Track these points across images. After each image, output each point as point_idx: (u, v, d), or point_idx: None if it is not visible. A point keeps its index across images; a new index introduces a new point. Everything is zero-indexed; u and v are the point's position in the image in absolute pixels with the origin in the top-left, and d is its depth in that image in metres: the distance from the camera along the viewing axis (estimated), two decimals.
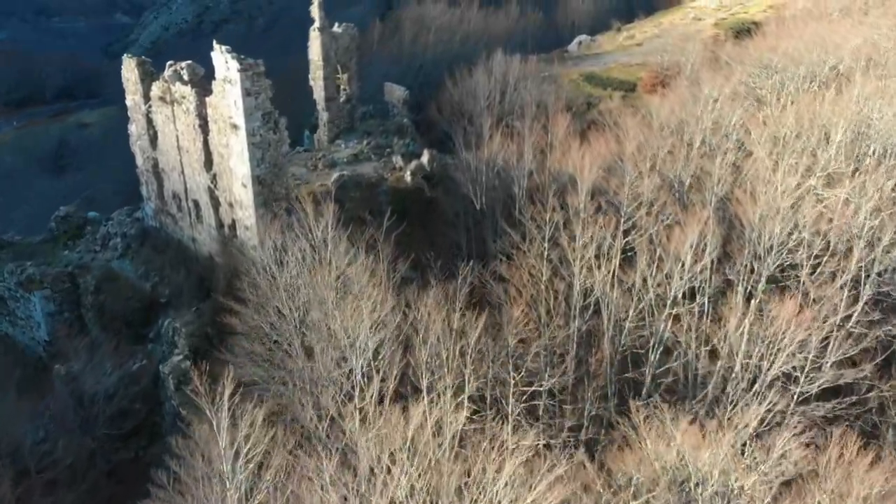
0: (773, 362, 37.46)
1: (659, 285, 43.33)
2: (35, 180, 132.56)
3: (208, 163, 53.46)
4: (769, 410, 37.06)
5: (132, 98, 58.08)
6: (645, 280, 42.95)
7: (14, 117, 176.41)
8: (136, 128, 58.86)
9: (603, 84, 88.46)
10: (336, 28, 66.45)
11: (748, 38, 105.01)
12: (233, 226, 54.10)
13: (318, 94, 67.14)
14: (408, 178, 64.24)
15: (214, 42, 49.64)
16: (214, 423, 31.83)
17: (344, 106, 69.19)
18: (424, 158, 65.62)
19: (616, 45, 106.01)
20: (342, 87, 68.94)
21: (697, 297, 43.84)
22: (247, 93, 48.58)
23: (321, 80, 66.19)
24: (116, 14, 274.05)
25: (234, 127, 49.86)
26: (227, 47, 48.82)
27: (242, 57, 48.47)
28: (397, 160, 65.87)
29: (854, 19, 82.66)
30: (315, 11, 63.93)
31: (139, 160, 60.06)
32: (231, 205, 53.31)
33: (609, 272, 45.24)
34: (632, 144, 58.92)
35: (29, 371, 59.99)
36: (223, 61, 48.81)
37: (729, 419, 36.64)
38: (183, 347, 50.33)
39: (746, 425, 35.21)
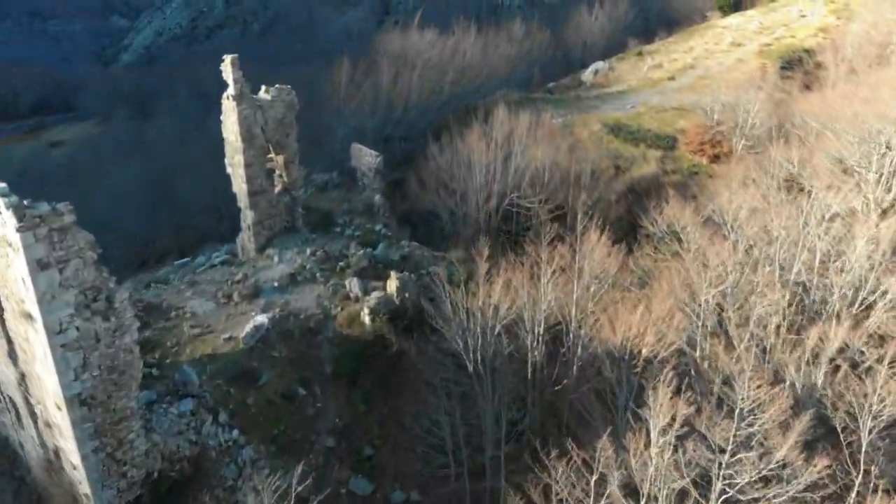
0: None
1: None
2: None
3: (13, 353, 29.27)
4: None
5: None
6: None
7: None
8: None
9: (633, 138, 63.25)
10: (263, 94, 41.31)
11: (800, 69, 79.91)
12: (58, 454, 30.04)
13: (238, 186, 42.16)
14: (365, 317, 39.58)
15: None
16: None
17: (280, 199, 44.24)
18: (392, 286, 40.79)
19: (641, 76, 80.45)
20: (277, 173, 44.06)
21: None
22: (42, 265, 24.04)
23: (241, 167, 41.27)
24: (113, 17, 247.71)
25: (29, 317, 25.60)
26: (2, 185, 24.11)
27: (29, 203, 23.81)
28: (352, 285, 41.08)
29: None
30: (227, 73, 38.82)
31: None
32: (49, 426, 29.25)
33: None
34: (709, 294, 34.14)
35: None
36: None
37: None
38: None
39: None
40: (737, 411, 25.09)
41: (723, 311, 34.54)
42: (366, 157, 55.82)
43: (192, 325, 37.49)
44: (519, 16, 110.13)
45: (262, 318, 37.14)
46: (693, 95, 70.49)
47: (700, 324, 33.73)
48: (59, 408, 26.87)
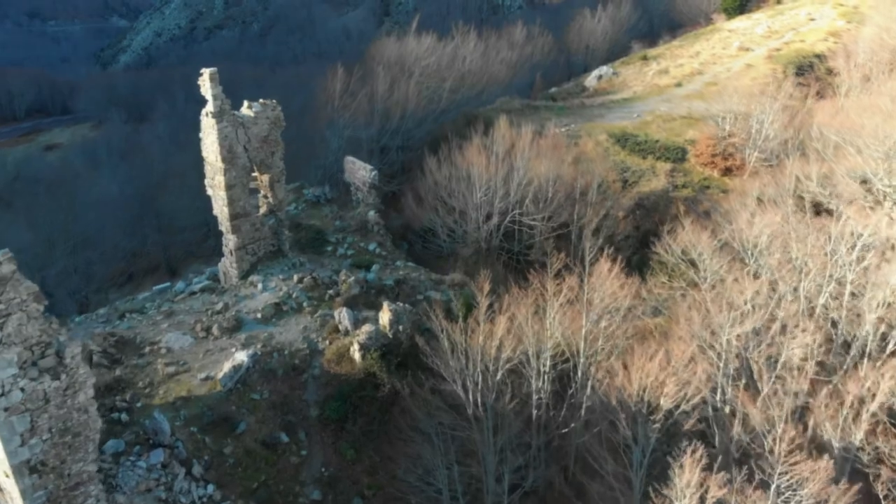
0: None
1: None
2: None
3: None
4: None
5: None
6: None
7: None
8: None
9: (641, 150, 59.69)
10: (245, 109, 37.92)
11: (811, 75, 76.33)
12: None
13: (220, 209, 38.82)
14: (355, 353, 36.12)
15: None
16: None
17: (265, 221, 40.88)
18: (384, 318, 37.40)
19: (646, 82, 76.94)
20: (262, 193, 40.66)
21: None
22: None
23: (223, 188, 37.91)
24: (112, 17, 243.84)
25: None
26: None
27: None
28: (342, 316, 37.64)
29: None
30: (205, 88, 35.46)
31: None
32: (1, 490, 26.10)
33: None
34: (731, 335, 30.69)
35: None
36: None
37: None
38: None
39: None
40: (773, 486, 21.69)
41: (745, 350, 31.16)
42: (360, 172, 52.59)
43: (166, 363, 34.03)
44: (520, 19, 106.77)
45: (242, 356, 33.68)
46: (702, 103, 66.85)
47: (722, 365, 30.37)
48: (6, 475, 23.51)
